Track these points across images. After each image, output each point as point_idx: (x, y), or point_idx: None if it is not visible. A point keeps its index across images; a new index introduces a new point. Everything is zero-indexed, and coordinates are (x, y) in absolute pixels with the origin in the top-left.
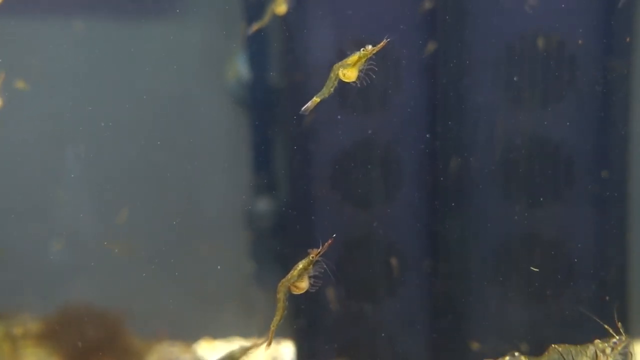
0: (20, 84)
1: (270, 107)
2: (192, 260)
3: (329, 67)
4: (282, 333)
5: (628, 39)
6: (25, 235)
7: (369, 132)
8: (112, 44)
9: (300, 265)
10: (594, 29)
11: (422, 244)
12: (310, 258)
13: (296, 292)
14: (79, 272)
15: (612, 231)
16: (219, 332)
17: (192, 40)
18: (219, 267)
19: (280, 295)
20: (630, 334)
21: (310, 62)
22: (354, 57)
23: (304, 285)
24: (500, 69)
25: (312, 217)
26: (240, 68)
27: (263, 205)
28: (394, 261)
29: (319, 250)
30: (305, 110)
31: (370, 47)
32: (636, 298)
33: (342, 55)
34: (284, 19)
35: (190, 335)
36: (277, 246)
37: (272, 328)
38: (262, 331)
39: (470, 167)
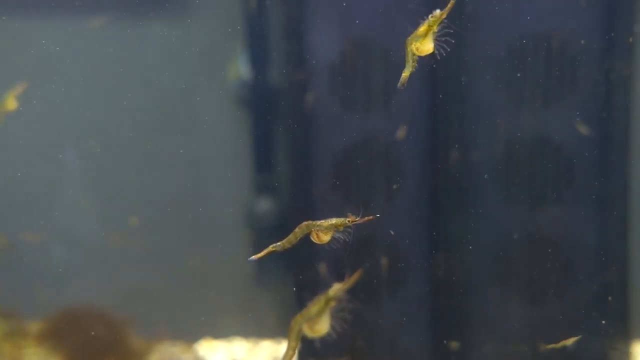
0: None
1: (271, 107)
2: (193, 260)
3: (330, 66)
4: (282, 333)
5: (630, 40)
6: (27, 234)
7: (370, 131)
8: (113, 45)
9: (334, 221)
10: (596, 29)
11: (423, 243)
12: (347, 221)
13: (315, 240)
14: (80, 272)
15: (614, 231)
16: (219, 332)
17: (193, 40)
18: (223, 265)
19: (298, 231)
20: (631, 334)
21: (312, 62)
22: (423, 28)
23: (325, 238)
24: (502, 69)
25: (314, 217)
26: (241, 68)
27: (264, 205)
28: (394, 261)
29: (357, 219)
30: (401, 86)
31: (438, 11)
32: (637, 298)
33: (342, 55)
34: (285, 18)
35: (190, 335)
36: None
37: (270, 249)
38: (263, 331)
39: (471, 167)
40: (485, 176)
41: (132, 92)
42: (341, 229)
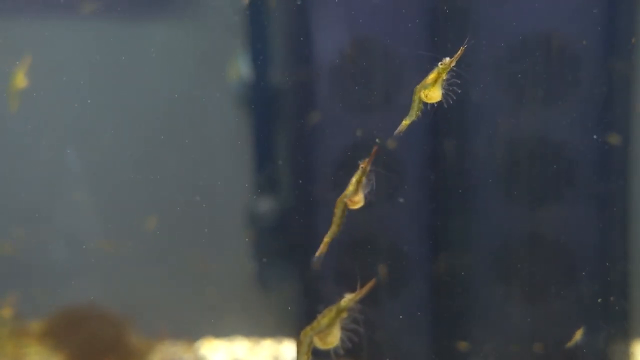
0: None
1: (272, 107)
2: (194, 260)
3: (331, 68)
4: (283, 332)
5: (633, 40)
6: (28, 234)
7: (371, 131)
8: (114, 45)
9: (354, 179)
10: (597, 29)
11: (424, 244)
12: (362, 167)
13: (352, 206)
14: (81, 272)
15: (614, 231)
16: (220, 332)
17: (194, 40)
18: (224, 265)
19: (337, 211)
20: (631, 333)
21: (313, 62)
22: (433, 75)
23: (358, 199)
24: (502, 69)
25: (314, 217)
26: (242, 68)
27: (265, 205)
28: (396, 262)
29: (368, 159)
30: (398, 133)
31: (447, 59)
32: (638, 298)
33: (344, 55)
34: (287, 17)
35: (191, 334)
36: (278, 246)
37: (326, 240)
38: (264, 331)
39: (472, 167)
40: (487, 176)
41: (132, 93)
42: (364, 179)
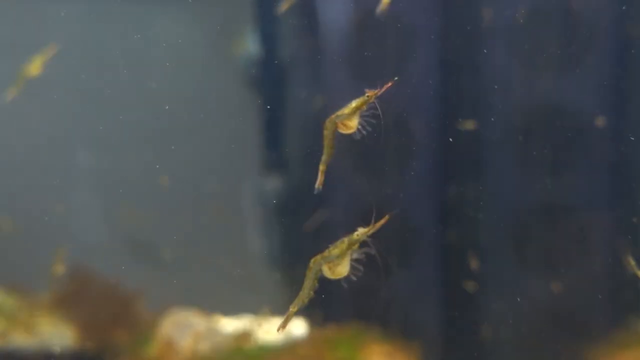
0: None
1: (280, 85)
2: (202, 240)
3: (339, 45)
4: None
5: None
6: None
7: (382, 100)
8: (122, 24)
9: (354, 103)
10: None
11: (435, 214)
12: (366, 97)
13: (344, 130)
14: (98, 249)
15: (628, 199)
16: (229, 310)
17: (202, 22)
18: (234, 244)
19: (327, 133)
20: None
21: (320, 40)
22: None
23: (352, 124)
24: (515, 35)
25: (324, 193)
26: (250, 46)
27: (274, 183)
28: (407, 232)
29: (377, 91)
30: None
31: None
32: None
33: (352, 26)
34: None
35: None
36: (287, 224)
37: (322, 168)
38: (273, 308)
39: (484, 136)
40: (499, 145)
41: (140, 75)
42: (364, 108)
